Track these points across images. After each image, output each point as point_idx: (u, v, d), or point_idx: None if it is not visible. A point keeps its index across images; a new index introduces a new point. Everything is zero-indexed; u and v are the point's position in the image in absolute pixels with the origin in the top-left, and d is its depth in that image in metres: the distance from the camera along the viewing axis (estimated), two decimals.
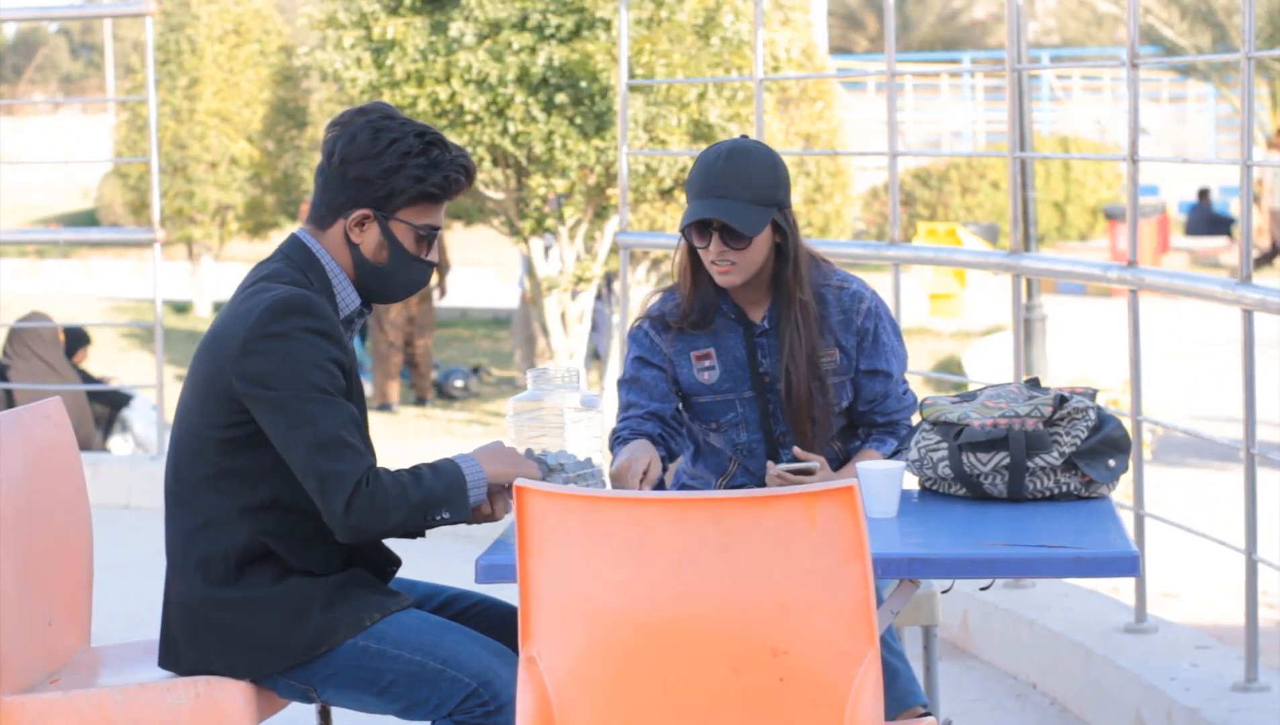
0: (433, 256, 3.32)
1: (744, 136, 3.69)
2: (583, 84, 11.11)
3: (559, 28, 11.12)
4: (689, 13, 11.21)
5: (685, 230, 3.65)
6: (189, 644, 3.23)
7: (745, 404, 3.74)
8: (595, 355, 14.22)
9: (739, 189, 3.58)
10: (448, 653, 3.19)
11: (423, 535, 3.22)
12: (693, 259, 3.72)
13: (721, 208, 3.58)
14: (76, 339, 11.19)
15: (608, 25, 11.11)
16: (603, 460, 3.40)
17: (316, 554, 3.22)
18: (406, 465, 3.23)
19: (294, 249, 3.29)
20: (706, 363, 3.74)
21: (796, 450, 3.61)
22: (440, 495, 3.15)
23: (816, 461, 3.59)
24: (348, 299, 3.30)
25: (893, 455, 3.72)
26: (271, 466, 3.18)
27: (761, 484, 3.68)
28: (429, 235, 3.29)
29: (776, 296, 3.70)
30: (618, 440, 3.75)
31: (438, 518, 3.16)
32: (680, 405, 3.80)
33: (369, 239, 3.27)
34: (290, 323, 3.13)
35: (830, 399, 3.70)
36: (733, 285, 3.66)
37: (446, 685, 3.16)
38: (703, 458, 3.84)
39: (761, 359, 3.72)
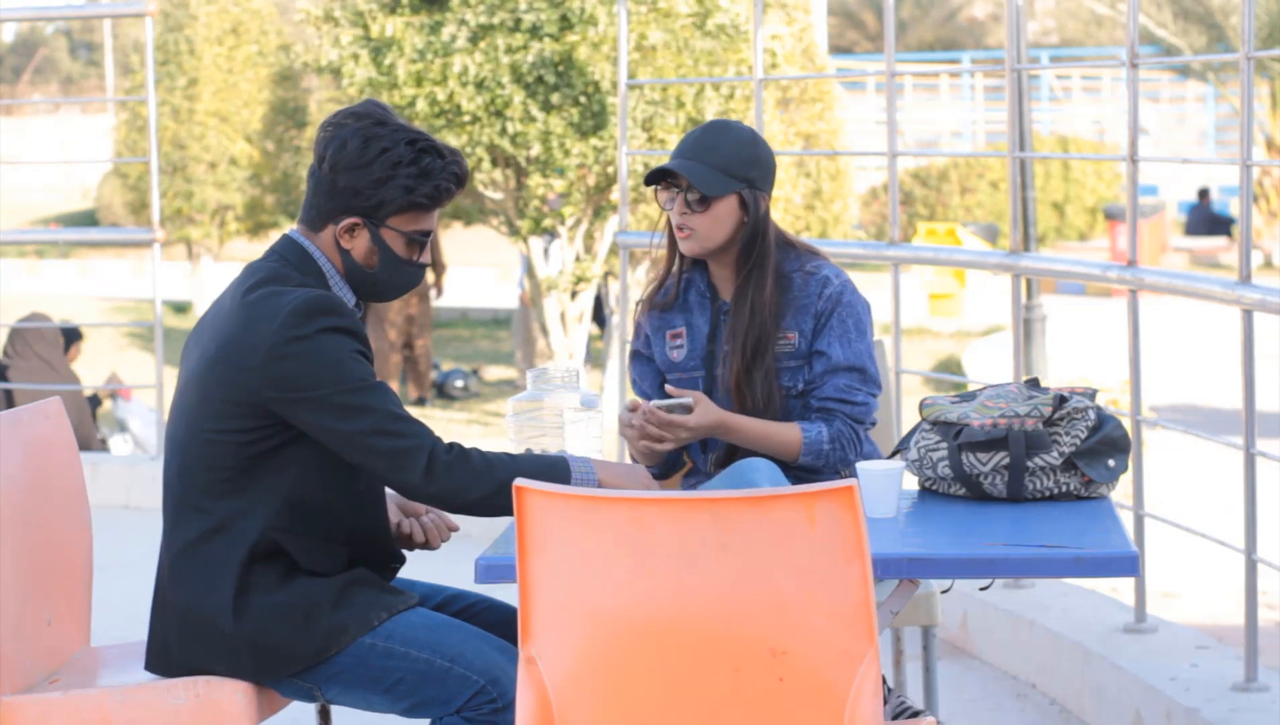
0: (424, 259, 3.34)
1: (739, 121, 3.74)
2: (574, 80, 11.12)
3: (547, 23, 11.13)
4: (685, 2, 11.20)
5: (655, 191, 3.70)
6: (191, 649, 3.22)
7: (705, 382, 3.74)
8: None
9: (707, 154, 3.64)
10: (455, 650, 3.19)
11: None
12: (674, 236, 3.75)
13: (685, 166, 3.63)
14: (68, 336, 11.19)
15: (594, 20, 11.10)
16: (603, 460, 3.40)
17: (324, 552, 3.22)
18: None
19: (289, 250, 3.29)
20: (677, 342, 3.76)
21: (669, 387, 3.59)
22: (535, 477, 3.13)
23: (690, 397, 3.56)
24: (344, 298, 3.31)
25: (893, 454, 3.71)
26: (288, 463, 3.17)
27: (728, 458, 3.65)
28: (420, 240, 3.30)
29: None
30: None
31: None
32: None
33: (359, 245, 3.27)
34: (314, 324, 3.14)
35: (774, 382, 3.67)
36: (693, 252, 3.67)
37: (454, 683, 3.17)
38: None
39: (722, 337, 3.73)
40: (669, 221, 3.72)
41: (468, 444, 3.24)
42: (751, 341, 3.64)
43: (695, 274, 3.76)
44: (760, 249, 3.67)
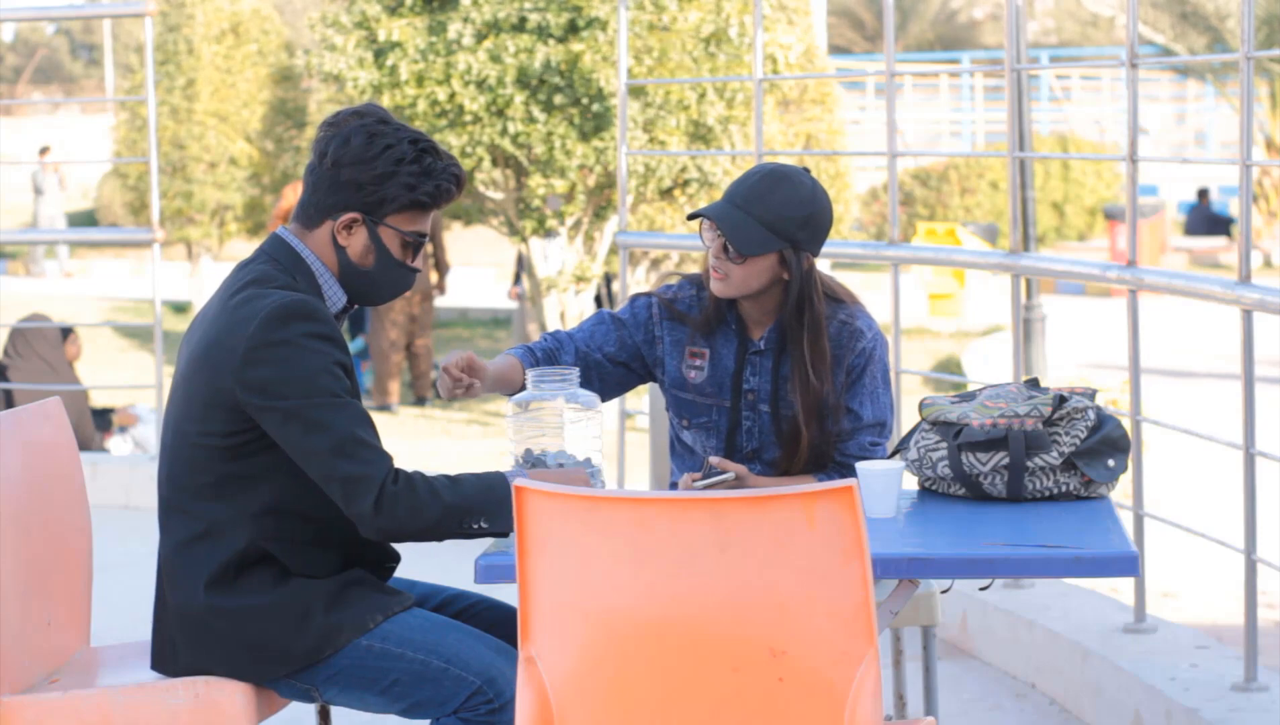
0: (417, 263, 3.32)
1: (805, 169, 3.65)
2: (576, 84, 11.11)
3: (555, 26, 11.13)
4: (692, 25, 11.20)
5: (700, 224, 3.65)
6: (189, 650, 3.22)
7: (721, 412, 3.72)
8: None
9: (757, 207, 3.56)
10: (451, 651, 3.19)
11: (466, 536, 3.19)
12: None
13: (728, 215, 3.57)
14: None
15: (604, 25, 11.10)
16: (602, 460, 3.40)
17: (316, 556, 3.22)
18: (405, 465, 3.23)
19: (278, 249, 3.28)
20: (697, 362, 3.73)
21: (713, 459, 3.58)
22: (478, 503, 3.13)
23: (733, 472, 3.56)
24: (334, 297, 3.29)
25: (893, 454, 3.71)
26: (271, 470, 3.17)
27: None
28: (415, 242, 3.29)
29: (780, 324, 3.67)
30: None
31: (475, 526, 3.14)
32: (581, 364, 3.73)
33: (356, 242, 3.26)
34: (292, 329, 3.13)
35: (829, 435, 3.67)
36: (724, 295, 3.64)
37: (451, 683, 3.17)
38: (677, 456, 3.84)
39: (749, 377, 3.70)
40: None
41: (419, 467, 3.23)
42: (814, 404, 3.62)
43: (725, 303, 3.72)
44: (811, 319, 3.61)
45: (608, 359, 3.75)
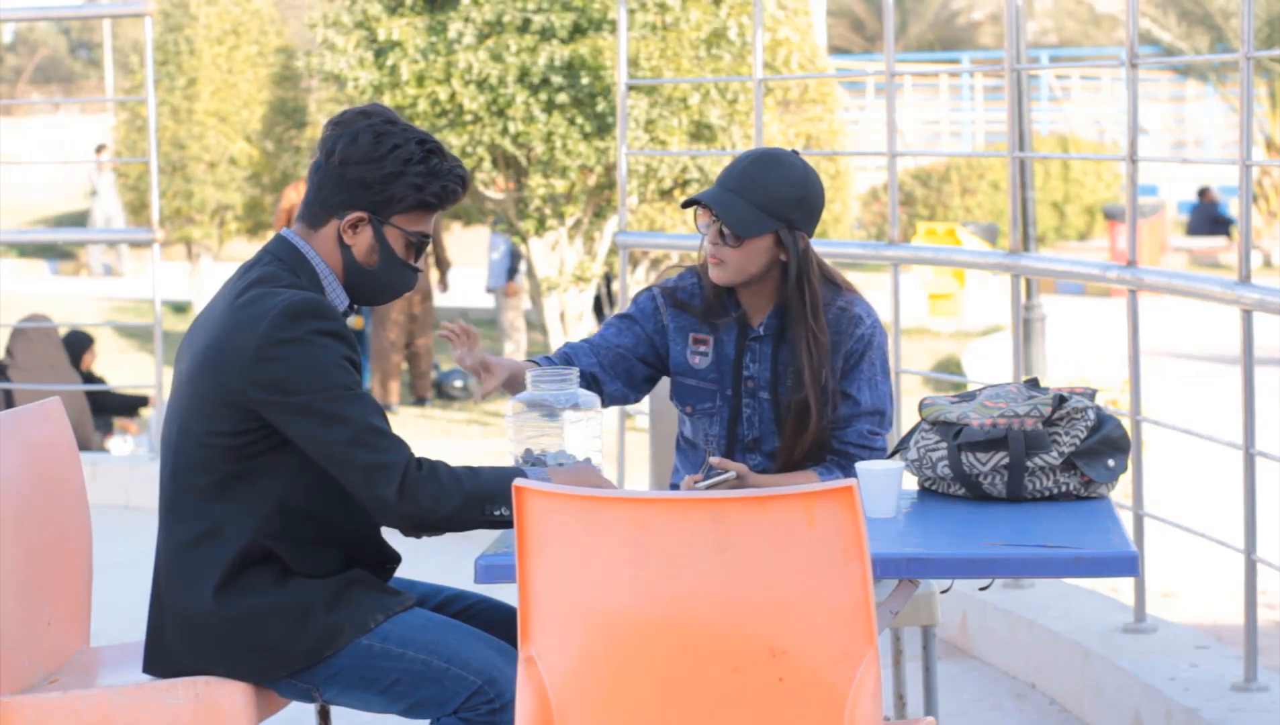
0: (420, 264, 3.33)
1: (794, 151, 3.68)
2: (584, 82, 11.12)
3: (559, 27, 11.14)
4: (693, 24, 11.21)
5: (694, 213, 3.66)
6: (189, 650, 3.22)
7: (724, 400, 3.73)
8: None
9: (750, 190, 3.58)
10: (452, 651, 3.19)
11: (489, 525, 3.19)
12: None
13: (722, 199, 3.59)
14: (79, 342, 11.19)
15: (613, 25, 11.11)
16: (602, 460, 3.40)
17: (318, 556, 3.22)
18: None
19: (283, 250, 3.28)
20: (701, 348, 3.74)
21: (714, 459, 3.58)
22: (499, 492, 3.14)
23: (734, 471, 3.56)
24: (337, 299, 3.30)
25: (893, 454, 3.71)
26: (276, 469, 3.17)
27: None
28: (419, 242, 3.30)
29: (779, 309, 3.68)
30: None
31: (496, 513, 3.15)
32: (605, 360, 3.75)
33: (361, 241, 3.27)
34: (302, 327, 3.13)
35: (827, 421, 3.67)
36: (722, 282, 3.65)
37: (451, 683, 3.17)
38: (681, 453, 3.84)
39: (749, 363, 3.71)
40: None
41: (435, 457, 3.23)
42: (817, 386, 3.62)
43: (725, 290, 3.73)
44: (810, 296, 3.62)
45: (629, 352, 3.77)
